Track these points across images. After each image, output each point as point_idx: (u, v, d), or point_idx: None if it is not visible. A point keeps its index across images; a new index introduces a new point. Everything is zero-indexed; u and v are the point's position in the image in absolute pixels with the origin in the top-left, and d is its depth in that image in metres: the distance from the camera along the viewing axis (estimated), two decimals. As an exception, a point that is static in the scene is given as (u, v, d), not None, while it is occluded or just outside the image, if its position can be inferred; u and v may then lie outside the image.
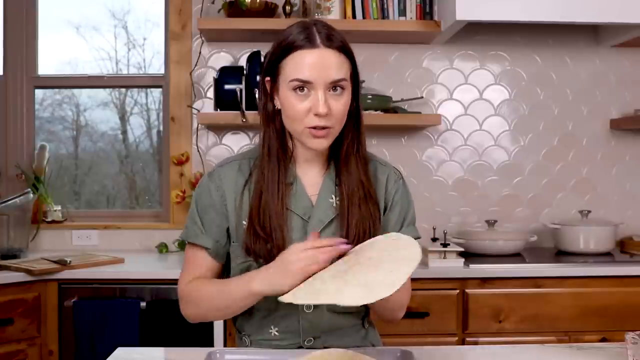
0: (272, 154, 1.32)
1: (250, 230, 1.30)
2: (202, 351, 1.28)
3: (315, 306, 1.33)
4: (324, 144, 1.29)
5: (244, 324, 1.42)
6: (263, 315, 1.37)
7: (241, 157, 1.40)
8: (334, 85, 1.26)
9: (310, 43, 1.25)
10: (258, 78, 2.57)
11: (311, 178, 1.36)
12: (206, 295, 1.33)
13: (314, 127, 1.26)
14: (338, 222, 1.32)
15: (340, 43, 1.28)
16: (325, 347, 1.36)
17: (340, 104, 1.27)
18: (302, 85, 1.25)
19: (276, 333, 1.37)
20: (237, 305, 1.29)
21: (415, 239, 1.39)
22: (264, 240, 1.28)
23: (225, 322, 2.27)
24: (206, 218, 1.36)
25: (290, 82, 1.26)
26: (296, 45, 1.26)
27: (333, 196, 1.34)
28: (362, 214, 1.31)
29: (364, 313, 1.44)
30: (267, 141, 1.33)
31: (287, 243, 1.28)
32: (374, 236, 1.32)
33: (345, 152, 1.34)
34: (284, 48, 1.27)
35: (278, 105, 1.32)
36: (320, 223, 1.32)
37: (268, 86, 1.33)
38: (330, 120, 1.26)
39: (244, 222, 1.32)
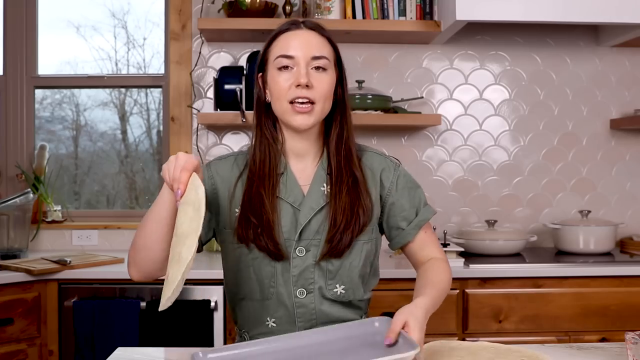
0: (263, 144, 1.38)
1: (242, 217, 1.34)
2: (202, 351, 1.28)
3: (308, 291, 1.36)
4: (307, 120, 1.32)
5: (242, 320, 1.43)
6: (256, 305, 1.39)
7: (238, 153, 1.47)
8: (317, 65, 1.33)
9: (294, 26, 1.36)
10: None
11: (304, 169, 1.40)
12: (138, 228, 1.34)
13: (297, 101, 1.31)
14: (328, 209, 1.35)
15: (325, 33, 1.37)
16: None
17: (323, 81, 1.33)
18: (286, 63, 1.32)
19: (273, 324, 1.38)
20: (157, 214, 1.28)
21: (433, 215, 1.46)
22: (254, 226, 1.33)
23: (225, 322, 2.27)
24: None
25: (275, 59, 1.34)
26: (281, 31, 1.37)
27: (325, 184, 1.38)
28: (351, 200, 1.35)
29: (362, 311, 1.45)
30: (259, 133, 1.39)
31: (277, 230, 1.33)
32: (363, 224, 1.36)
33: (334, 141, 1.39)
34: (271, 38, 1.38)
35: (269, 97, 1.38)
36: (311, 210, 1.36)
37: (261, 81, 1.40)
38: (312, 93, 1.31)
39: (236, 210, 1.36)
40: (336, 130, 1.39)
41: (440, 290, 1.34)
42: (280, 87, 1.32)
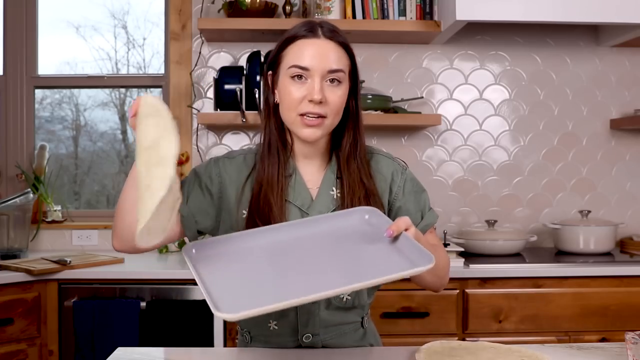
0: (272, 147, 1.35)
1: (250, 221, 1.32)
2: (202, 351, 1.28)
3: None
4: (315, 133, 1.29)
5: (243, 320, 1.42)
6: None
7: (247, 151, 1.42)
8: (332, 78, 1.28)
9: (311, 33, 1.29)
10: (258, 78, 2.60)
11: (312, 172, 1.38)
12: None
13: (307, 115, 1.27)
14: None
15: (341, 39, 1.31)
16: (324, 346, 1.37)
17: (336, 95, 1.29)
18: (300, 73, 1.28)
19: (275, 327, 1.37)
20: (126, 190, 1.29)
21: (437, 219, 1.48)
22: None
23: (225, 322, 2.27)
24: (193, 192, 1.37)
25: (289, 68, 1.29)
26: (298, 35, 1.30)
27: (334, 188, 1.36)
28: None
29: (363, 313, 1.44)
30: (268, 135, 1.36)
31: None
32: None
33: (346, 153, 1.36)
34: (286, 40, 1.32)
35: (278, 98, 1.34)
36: (320, 215, 1.33)
37: (270, 80, 1.36)
38: (324, 109, 1.28)
39: (244, 212, 1.34)
40: (349, 141, 1.36)
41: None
42: (292, 97, 1.28)
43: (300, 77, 1.28)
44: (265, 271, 1.12)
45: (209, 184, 1.36)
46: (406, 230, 1.15)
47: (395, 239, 1.15)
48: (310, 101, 1.27)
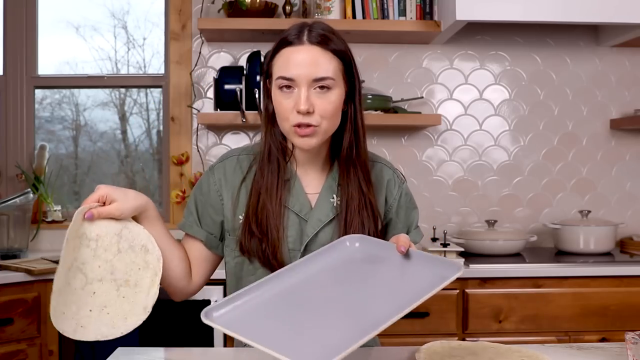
0: (273, 155, 1.33)
1: (246, 228, 1.31)
2: (202, 351, 1.28)
3: None
4: (309, 142, 1.27)
5: None
6: None
7: (240, 152, 1.41)
8: (320, 85, 1.25)
9: (297, 40, 1.26)
10: (258, 78, 2.60)
11: (312, 177, 1.36)
12: None
13: (299, 125, 1.25)
14: (337, 223, 1.32)
15: (330, 43, 1.26)
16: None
17: (327, 102, 1.25)
18: (287, 84, 1.25)
19: None
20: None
21: (421, 239, 1.45)
22: (258, 240, 1.29)
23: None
24: (202, 210, 1.38)
25: (276, 80, 1.27)
26: (284, 43, 1.27)
27: (335, 196, 1.34)
28: (362, 220, 1.31)
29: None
30: (268, 143, 1.34)
31: (283, 242, 1.30)
32: None
33: (345, 157, 1.34)
34: (275, 47, 1.29)
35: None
36: (319, 222, 1.32)
37: (268, 88, 1.34)
38: (313, 118, 1.25)
39: (240, 217, 1.33)
40: (346, 147, 1.33)
41: None
42: (283, 108, 1.26)
43: (288, 87, 1.25)
44: (303, 317, 1.06)
45: (210, 196, 1.37)
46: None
47: (405, 256, 1.16)
48: (298, 112, 1.24)
